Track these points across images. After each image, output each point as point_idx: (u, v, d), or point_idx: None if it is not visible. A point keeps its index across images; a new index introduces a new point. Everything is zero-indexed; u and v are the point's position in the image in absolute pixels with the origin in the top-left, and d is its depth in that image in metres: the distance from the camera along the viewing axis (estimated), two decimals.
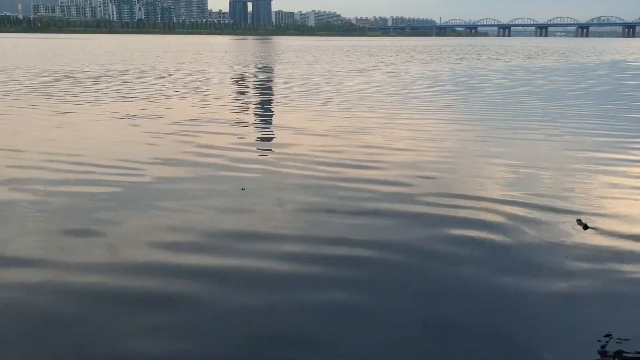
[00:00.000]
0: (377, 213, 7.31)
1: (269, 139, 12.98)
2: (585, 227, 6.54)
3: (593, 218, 6.98)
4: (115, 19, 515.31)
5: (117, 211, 7.40)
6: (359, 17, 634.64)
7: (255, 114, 17.09)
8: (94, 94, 21.14)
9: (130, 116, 15.67)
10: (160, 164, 9.98)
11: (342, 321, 4.70)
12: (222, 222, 7.03)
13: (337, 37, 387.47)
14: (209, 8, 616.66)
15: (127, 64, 41.35)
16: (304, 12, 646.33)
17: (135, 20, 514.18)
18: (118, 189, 8.39)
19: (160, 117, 15.61)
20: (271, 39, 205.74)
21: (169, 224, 6.91)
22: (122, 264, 5.80)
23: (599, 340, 4.40)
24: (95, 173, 9.26)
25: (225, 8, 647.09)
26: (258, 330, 4.57)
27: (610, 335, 4.46)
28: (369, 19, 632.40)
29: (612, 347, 4.31)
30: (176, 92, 22.09)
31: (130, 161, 10.08)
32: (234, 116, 16.15)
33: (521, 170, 9.54)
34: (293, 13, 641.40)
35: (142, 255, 6.02)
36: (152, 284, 5.34)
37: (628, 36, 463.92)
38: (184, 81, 27.11)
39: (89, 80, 27.11)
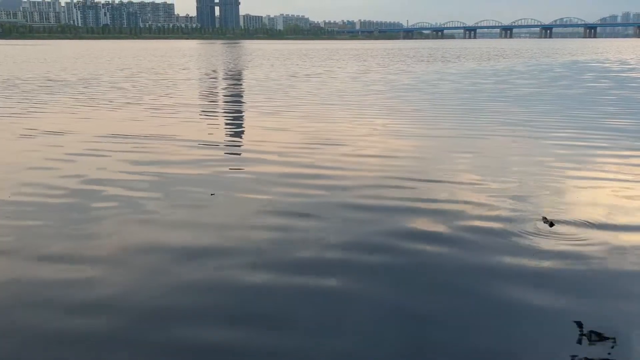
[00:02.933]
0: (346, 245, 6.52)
1: (210, 157, 11.27)
2: (551, 224, 6.80)
3: (559, 217, 7.12)
4: (80, 25, 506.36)
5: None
6: (327, 21, 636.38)
7: (195, 130, 15.18)
8: (15, 106, 19.86)
9: (47, 133, 14.05)
10: (63, 196, 8.49)
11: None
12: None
13: (306, 40, 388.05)
14: (176, 13, 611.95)
15: (68, 71, 39.83)
16: (272, 15, 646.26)
17: (101, 25, 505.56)
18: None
19: (79, 133, 14.05)
20: (239, 43, 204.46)
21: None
22: None
23: (570, 334, 4.52)
24: None
25: (193, 12, 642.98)
26: None
27: (582, 329, 4.58)
28: (338, 23, 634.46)
29: (584, 343, 4.42)
30: (109, 103, 20.68)
31: (27, 194, 8.57)
32: (163, 130, 14.47)
33: (487, 175, 9.40)
34: (261, 17, 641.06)
35: None
36: None
37: (590, 37, 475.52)
38: (123, 90, 25.90)
39: (18, 90, 25.79)
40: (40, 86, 27.64)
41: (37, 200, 8.26)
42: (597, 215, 7.22)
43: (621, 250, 6.18)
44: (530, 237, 6.51)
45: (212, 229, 6.95)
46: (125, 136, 13.52)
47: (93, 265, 5.91)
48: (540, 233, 6.59)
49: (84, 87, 26.98)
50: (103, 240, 6.64)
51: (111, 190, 8.70)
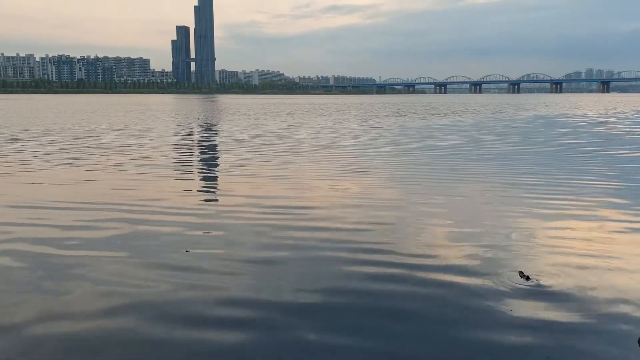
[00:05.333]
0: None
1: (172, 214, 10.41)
2: (527, 278, 6.94)
3: (534, 271, 7.26)
4: (54, 79, 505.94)
5: None
6: (302, 76, 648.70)
7: (153, 189, 13.73)
8: None
9: None
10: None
11: None
12: None
13: (281, 94, 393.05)
14: (151, 67, 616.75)
15: (17, 126, 38.08)
16: (247, 71, 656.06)
17: (76, 80, 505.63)
18: None
19: (18, 197, 12.43)
20: (214, 98, 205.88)
21: None
22: None
23: None
24: None
25: (169, 67, 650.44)
26: None
27: None
28: (312, 78, 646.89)
29: None
30: (58, 162, 18.88)
31: None
32: (115, 194, 12.91)
33: (461, 231, 9.36)
34: (237, 72, 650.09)
35: None
36: None
37: (556, 92, 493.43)
38: (77, 147, 24.14)
39: None
40: None
41: None
42: (572, 275, 7.20)
43: (595, 312, 6.08)
44: (508, 292, 6.60)
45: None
46: (80, 201, 11.93)
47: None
48: (517, 288, 6.70)
49: (37, 143, 25.25)
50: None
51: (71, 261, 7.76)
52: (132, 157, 20.33)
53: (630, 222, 10.10)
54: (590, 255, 7.98)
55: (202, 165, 18.92)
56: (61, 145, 24.96)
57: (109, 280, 7.09)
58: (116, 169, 17.23)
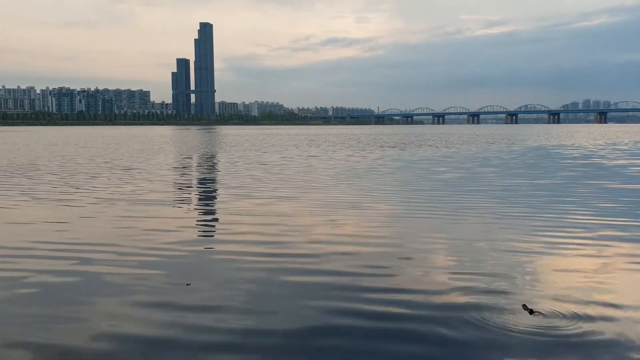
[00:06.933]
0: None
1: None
2: (531, 312, 6.86)
3: (538, 304, 7.20)
4: (55, 111, 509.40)
5: None
6: (301, 107, 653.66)
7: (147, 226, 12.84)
8: None
9: None
10: None
11: None
12: None
13: (279, 125, 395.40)
14: (151, 99, 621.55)
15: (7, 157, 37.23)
16: (247, 102, 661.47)
17: (76, 112, 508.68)
18: None
19: None
20: (213, 129, 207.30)
21: None
22: None
23: None
24: None
25: (169, 99, 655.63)
26: None
27: None
28: (311, 109, 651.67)
29: None
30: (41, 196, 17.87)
31: None
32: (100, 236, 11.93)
33: (462, 267, 9.21)
34: (236, 104, 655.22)
35: None
36: None
37: (553, 122, 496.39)
38: (60, 180, 23.15)
39: None
40: None
41: None
42: (576, 310, 7.08)
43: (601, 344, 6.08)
44: (511, 325, 6.53)
45: None
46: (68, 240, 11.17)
47: None
48: (521, 322, 6.63)
49: (24, 177, 24.18)
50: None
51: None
52: (121, 192, 19.26)
53: (636, 256, 9.91)
54: (595, 290, 7.88)
55: (192, 203, 17.78)
56: (48, 179, 23.90)
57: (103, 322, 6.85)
58: (105, 204, 16.27)
